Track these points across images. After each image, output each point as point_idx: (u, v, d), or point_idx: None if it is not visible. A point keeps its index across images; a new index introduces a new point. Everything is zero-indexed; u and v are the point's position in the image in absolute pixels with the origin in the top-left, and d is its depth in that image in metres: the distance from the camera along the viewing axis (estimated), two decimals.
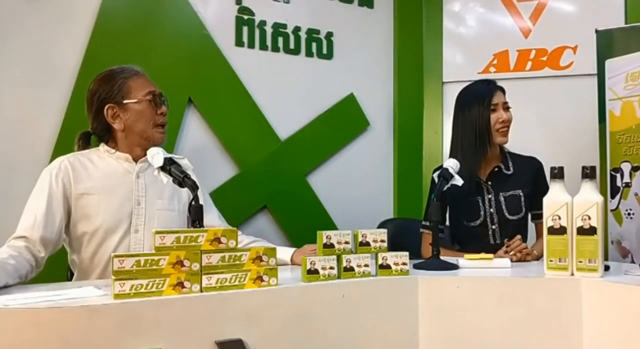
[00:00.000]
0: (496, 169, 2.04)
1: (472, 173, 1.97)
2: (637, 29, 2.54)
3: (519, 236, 1.83)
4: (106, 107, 1.72)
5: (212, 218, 1.85)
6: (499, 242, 1.97)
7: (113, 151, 1.76)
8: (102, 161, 1.75)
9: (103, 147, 1.78)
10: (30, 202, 1.63)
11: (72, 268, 1.77)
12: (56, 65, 2.21)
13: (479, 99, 2.02)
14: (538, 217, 2.01)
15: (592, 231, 1.40)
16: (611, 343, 1.30)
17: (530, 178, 2.02)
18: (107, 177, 1.71)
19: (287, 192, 2.74)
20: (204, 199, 1.86)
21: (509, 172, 2.03)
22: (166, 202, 1.76)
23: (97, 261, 1.67)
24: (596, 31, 2.60)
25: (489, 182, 2.03)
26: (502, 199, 2.01)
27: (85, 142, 1.81)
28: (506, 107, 2.02)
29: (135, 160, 1.76)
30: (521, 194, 2.01)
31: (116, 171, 1.74)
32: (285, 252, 1.76)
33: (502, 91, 2.05)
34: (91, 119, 1.78)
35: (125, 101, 1.73)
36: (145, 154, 1.73)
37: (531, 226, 2.06)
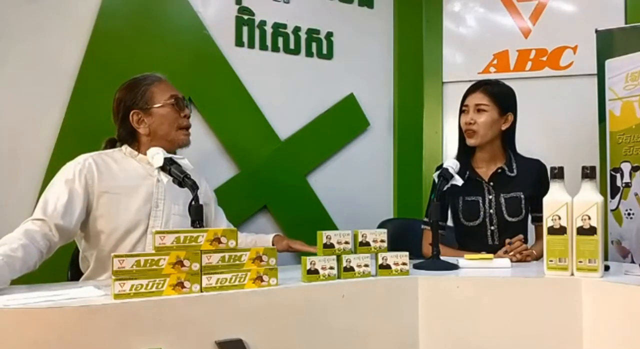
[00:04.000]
0: (499, 171, 2.03)
1: (464, 173, 1.97)
2: (637, 29, 2.54)
3: (520, 236, 1.82)
4: (131, 113, 1.77)
5: (218, 220, 1.92)
6: (497, 243, 1.97)
7: (136, 153, 1.80)
8: (126, 161, 1.79)
9: (126, 148, 1.82)
10: (50, 191, 1.64)
11: (82, 267, 1.79)
12: (56, 65, 2.21)
13: (460, 101, 2.07)
14: (538, 220, 2.01)
15: (592, 231, 1.40)
16: (611, 343, 1.30)
17: (533, 180, 2.00)
18: (129, 178, 1.74)
19: (287, 192, 2.74)
20: (215, 209, 1.96)
21: (512, 175, 2.02)
22: (181, 208, 1.79)
23: None
24: (596, 31, 2.60)
25: (491, 183, 2.03)
26: (502, 200, 2.01)
27: (112, 148, 1.85)
28: (478, 109, 1.99)
29: None
30: (522, 196, 2.00)
31: (138, 172, 1.77)
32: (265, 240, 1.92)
33: (486, 91, 2.01)
34: (117, 126, 1.83)
35: (149, 106, 1.78)
36: None
37: (531, 228, 2.05)
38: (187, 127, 1.85)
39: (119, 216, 1.70)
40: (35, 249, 1.50)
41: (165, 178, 1.53)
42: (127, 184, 1.73)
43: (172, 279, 1.19)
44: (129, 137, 1.82)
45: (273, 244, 1.91)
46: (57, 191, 1.64)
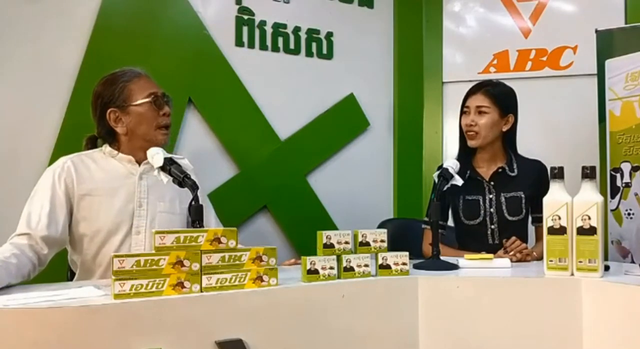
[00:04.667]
0: (500, 170, 2.04)
1: (465, 173, 1.97)
2: (637, 29, 2.54)
3: (514, 238, 1.82)
4: (108, 111, 1.72)
5: (209, 220, 1.86)
6: (497, 242, 1.97)
7: (115, 152, 1.76)
8: (105, 162, 1.74)
9: (106, 147, 1.78)
10: (33, 201, 1.62)
11: (73, 268, 1.77)
12: (56, 65, 2.21)
13: (461, 102, 2.08)
14: (538, 221, 2.01)
15: (592, 231, 1.40)
16: (611, 343, 1.30)
17: (533, 181, 2.01)
18: (109, 179, 1.71)
19: (287, 192, 2.74)
20: (202, 199, 1.88)
21: (513, 174, 2.03)
22: (167, 204, 1.76)
23: (99, 261, 1.67)
24: (596, 31, 2.60)
25: (492, 183, 2.03)
26: (503, 199, 2.01)
27: (93, 146, 1.82)
28: (479, 111, 1.99)
29: (139, 162, 1.76)
30: (523, 196, 2.00)
31: (119, 172, 1.73)
32: None
33: (487, 93, 2.01)
34: (96, 123, 1.78)
35: (126, 104, 1.72)
36: None
37: (531, 229, 2.06)
38: (167, 126, 1.77)
39: (100, 218, 1.66)
40: (26, 258, 1.49)
41: (165, 178, 1.52)
42: (107, 185, 1.69)
43: (172, 279, 1.19)
44: (108, 136, 1.76)
45: None
46: (39, 200, 1.61)
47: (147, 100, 1.73)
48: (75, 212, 1.66)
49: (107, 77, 1.77)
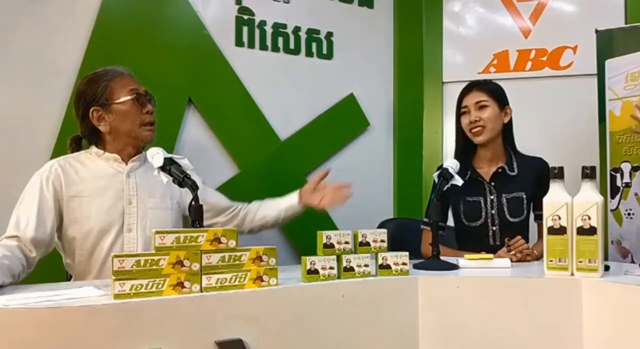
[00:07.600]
0: (500, 170, 2.03)
1: (465, 174, 1.97)
2: (637, 29, 2.54)
3: (518, 237, 1.83)
4: (91, 110, 1.72)
5: (212, 194, 1.95)
6: (498, 243, 1.97)
7: (102, 152, 1.76)
8: (92, 162, 1.74)
9: (92, 148, 1.78)
10: (21, 204, 1.63)
11: (69, 271, 1.77)
12: (56, 65, 2.21)
13: (456, 103, 2.08)
14: (540, 218, 2.00)
15: (592, 231, 1.40)
16: (611, 343, 1.30)
17: (534, 179, 2.00)
18: (97, 179, 1.71)
19: (287, 192, 2.73)
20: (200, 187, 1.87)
21: (513, 174, 2.02)
22: (158, 200, 1.76)
23: (94, 261, 1.67)
24: (596, 31, 2.60)
25: (492, 183, 2.03)
26: (504, 200, 2.00)
27: (77, 146, 1.82)
28: (480, 106, 2.00)
29: (126, 160, 1.77)
30: (524, 196, 2.00)
31: (106, 172, 1.73)
32: (290, 199, 2.01)
33: (482, 89, 2.02)
34: (79, 123, 1.78)
35: (109, 103, 1.72)
36: (135, 153, 1.78)
37: (532, 227, 2.05)
38: (151, 123, 1.78)
39: (90, 218, 1.66)
40: (17, 259, 1.49)
41: (165, 178, 1.52)
42: (95, 185, 1.69)
43: (172, 279, 1.19)
44: (92, 135, 1.77)
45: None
46: (27, 204, 1.62)
47: (129, 98, 1.73)
48: (65, 215, 1.66)
49: (89, 76, 1.78)
